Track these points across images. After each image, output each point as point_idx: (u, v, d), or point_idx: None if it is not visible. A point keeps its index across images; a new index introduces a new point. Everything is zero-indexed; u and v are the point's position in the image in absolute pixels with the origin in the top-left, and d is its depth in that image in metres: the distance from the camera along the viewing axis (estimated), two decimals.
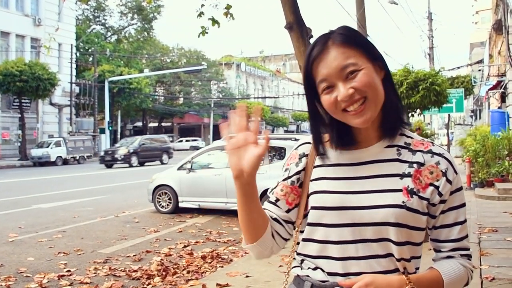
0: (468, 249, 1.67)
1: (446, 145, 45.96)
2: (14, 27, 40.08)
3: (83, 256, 8.08)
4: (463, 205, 1.65)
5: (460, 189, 1.65)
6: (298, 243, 1.69)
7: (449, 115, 43.03)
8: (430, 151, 1.61)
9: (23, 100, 37.21)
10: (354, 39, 1.54)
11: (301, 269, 1.67)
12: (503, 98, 25.08)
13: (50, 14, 41.05)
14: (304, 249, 1.66)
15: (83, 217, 11.99)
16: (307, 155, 1.72)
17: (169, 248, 8.47)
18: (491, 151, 15.14)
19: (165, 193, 12.65)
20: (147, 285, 6.39)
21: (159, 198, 12.72)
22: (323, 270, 1.60)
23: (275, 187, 1.75)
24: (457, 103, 26.95)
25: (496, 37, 27.30)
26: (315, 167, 1.69)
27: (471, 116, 58.38)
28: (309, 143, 1.73)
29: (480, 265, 6.37)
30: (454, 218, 1.62)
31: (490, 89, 27.83)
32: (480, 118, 44.41)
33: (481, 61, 38.29)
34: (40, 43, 40.31)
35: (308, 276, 1.64)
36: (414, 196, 1.54)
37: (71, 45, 44.50)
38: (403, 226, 1.53)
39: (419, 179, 1.57)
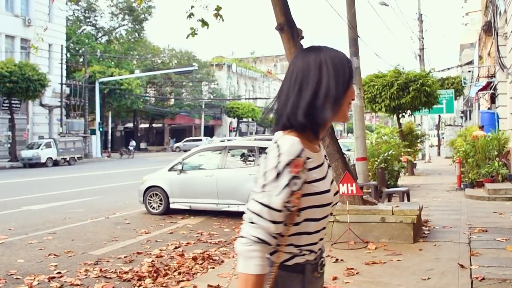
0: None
1: (436, 145, 46.27)
2: (3, 27, 39.87)
3: (73, 258, 8.04)
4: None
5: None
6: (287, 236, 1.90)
7: (439, 116, 43.38)
8: None
9: (13, 101, 37.01)
10: None
11: (300, 256, 1.92)
12: (493, 99, 25.21)
13: (40, 15, 40.77)
14: (299, 240, 1.90)
15: (73, 219, 11.94)
16: (305, 160, 1.87)
17: (160, 250, 8.45)
18: (481, 151, 15.23)
19: (156, 194, 12.61)
20: (138, 286, 6.37)
21: (150, 199, 12.68)
22: (314, 252, 1.96)
23: (290, 197, 1.81)
24: (448, 104, 27.13)
25: (485, 39, 27.43)
26: (309, 169, 1.88)
27: (461, 117, 58.72)
28: (303, 148, 1.85)
29: (470, 265, 6.40)
30: None
31: (480, 90, 27.98)
32: (470, 119, 44.65)
33: (471, 62, 38.52)
34: (30, 44, 40.09)
35: (307, 260, 1.94)
36: None
37: (62, 45, 44.32)
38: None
39: None
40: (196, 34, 9.96)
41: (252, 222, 1.81)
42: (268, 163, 1.83)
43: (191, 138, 64.79)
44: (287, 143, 1.83)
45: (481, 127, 18.56)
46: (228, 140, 40.47)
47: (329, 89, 1.86)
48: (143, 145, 65.18)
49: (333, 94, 1.86)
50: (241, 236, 1.82)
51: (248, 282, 1.79)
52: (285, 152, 1.80)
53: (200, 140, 59.90)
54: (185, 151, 56.58)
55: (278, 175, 1.79)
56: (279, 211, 1.80)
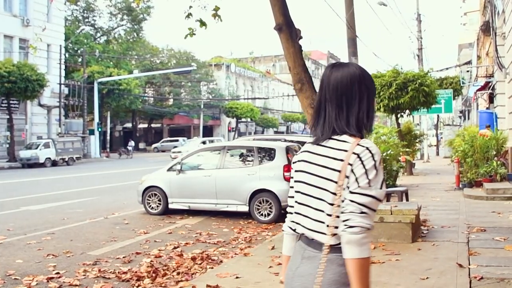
0: None
1: (435, 145, 46.24)
2: (2, 27, 39.80)
3: (72, 258, 8.04)
4: None
5: None
6: None
7: (438, 115, 43.33)
8: None
9: (11, 101, 36.97)
10: None
11: None
12: (491, 98, 25.22)
13: (38, 15, 40.71)
14: None
15: (72, 219, 11.94)
16: None
17: (159, 250, 8.45)
18: (480, 151, 15.24)
19: (155, 194, 12.61)
20: (137, 286, 6.37)
21: (149, 200, 12.67)
22: None
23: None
24: (446, 104, 27.14)
25: (484, 39, 27.46)
26: None
27: (460, 117, 58.75)
28: None
29: (469, 264, 6.41)
30: None
31: (479, 90, 27.97)
32: (468, 118, 44.66)
33: (469, 62, 38.48)
34: (29, 44, 40.00)
35: None
36: None
37: (60, 45, 44.27)
38: None
39: None
40: (195, 34, 9.95)
41: (363, 212, 2.12)
42: (365, 163, 2.16)
43: (168, 138, 65.19)
44: (374, 146, 2.21)
45: (488, 126, 18.57)
46: (210, 142, 40.41)
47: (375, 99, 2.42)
48: (141, 145, 65.25)
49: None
50: (351, 226, 2.09)
51: (365, 265, 2.09)
52: (376, 153, 2.19)
53: (177, 140, 60.01)
54: (163, 151, 57.01)
55: (377, 172, 2.17)
56: (381, 201, 2.19)
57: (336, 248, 2.16)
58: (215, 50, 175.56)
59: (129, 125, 68.47)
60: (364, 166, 2.16)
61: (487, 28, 22.16)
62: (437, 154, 42.23)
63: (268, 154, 11.90)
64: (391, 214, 7.96)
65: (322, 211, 2.20)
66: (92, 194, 17.08)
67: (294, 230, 2.36)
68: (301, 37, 8.71)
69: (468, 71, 39.16)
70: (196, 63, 63.26)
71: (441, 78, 36.78)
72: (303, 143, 14.16)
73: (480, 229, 8.79)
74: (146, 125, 70.79)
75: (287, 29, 8.48)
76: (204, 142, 39.06)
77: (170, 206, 12.47)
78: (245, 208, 11.56)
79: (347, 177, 2.16)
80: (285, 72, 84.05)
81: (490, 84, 24.35)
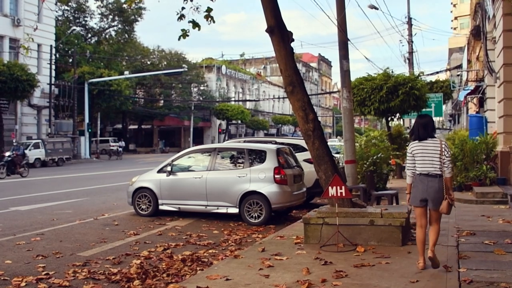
0: None
1: None
2: None
3: (61, 259, 8.01)
4: None
5: None
6: None
7: None
8: None
9: (1, 101, 36.68)
10: None
11: None
12: (481, 103, 25.33)
13: (29, 15, 40.54)
14: None
15: (62, 220, 11.89)
16: None
17: (149, 251, 8.44)
18: (469, 155, 15.28)
19: (145, 195, 12.57)
20: None
21: (139, 201, 12.63)
22: None
23: None
24: (436, 108, 27.26)
25: (474, 43, 27.61)
26: None
27: (450, 121, 59.06)
28: None
29: (459, 268, 6.44)
30: None
31: (469, 94, 28.11)
32: (458, 122, 44.91)
33: (459, 66, 38.73)
34: (19, 44, 39.77)
35: None
36: None
37: (51, 46, 44.06)
38: None
39: None
40: (188, 35, 9.96)
41: (450, 164, 6.33)
42: (447, 147, 6.33)
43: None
44: (445, 140, 6.88)
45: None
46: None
47: None
48: (132, 146, 64.94)
49: None
50: (449, 168, 6.29)
51: (452, 179, 6.50)
52: (447, 143, 6.46)
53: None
54: None
55: (449, 150, 6.42)
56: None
57: (440, 176, 6.22)
58: (206, 51, 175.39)
59: (119, 126, 68.24)
60: (447, 148, 6.26)
61: (477, 33, 22.27)
62: None
63: (258, 156, 11.90)
64: (381, 217, 7.98)
65: (435, 164, 6.21)
66: (82, 195, 17.01)
67: (414, 173, 6.41)
68: (292, 40, 8.74)
69: (458, 75, 39.41)
70: (187, 64, 63.17)
71: (432, 82, 36.92)
72: (294, 146, 14.19)
73: (470, 232, 8.83)
74: (136, 126, 70.58)
75: (279, 32, 8.51)
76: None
77: (160, 207, 12.44)
78: (235, 210, 11.56)
79: (442, 152, 6.20)
80: (276, 74, 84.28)
81: (480, 88, 24.46)
